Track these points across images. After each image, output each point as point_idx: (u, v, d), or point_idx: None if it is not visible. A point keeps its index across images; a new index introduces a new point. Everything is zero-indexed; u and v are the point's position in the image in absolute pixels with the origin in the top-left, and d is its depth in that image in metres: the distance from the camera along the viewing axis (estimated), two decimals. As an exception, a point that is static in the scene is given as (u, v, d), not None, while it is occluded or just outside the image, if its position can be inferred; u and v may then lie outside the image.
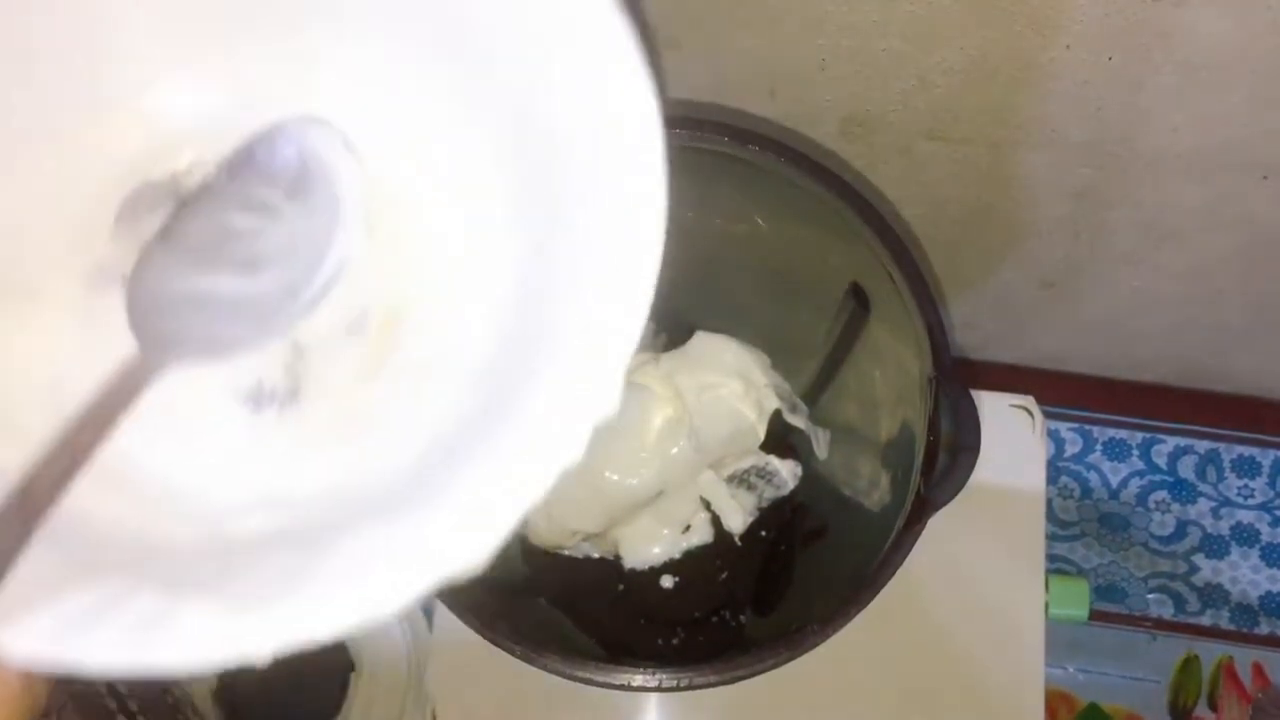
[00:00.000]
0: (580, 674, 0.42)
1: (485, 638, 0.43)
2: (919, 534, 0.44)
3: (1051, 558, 0.77)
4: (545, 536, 0.59)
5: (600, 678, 0.42)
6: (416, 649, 0.76)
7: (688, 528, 0.59)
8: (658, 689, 0.42)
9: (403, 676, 0.76)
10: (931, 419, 0.44)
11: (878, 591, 0.43)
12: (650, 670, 0.43)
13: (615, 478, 0.58)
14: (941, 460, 0.43)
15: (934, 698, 0.60)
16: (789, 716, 0.59)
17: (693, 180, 0.53)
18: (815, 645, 0.43)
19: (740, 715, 0.59)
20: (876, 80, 0.53)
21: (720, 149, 0.48)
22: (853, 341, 0.54)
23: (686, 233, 0.56)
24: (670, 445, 0.58)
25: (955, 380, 0.43)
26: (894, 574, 0.43)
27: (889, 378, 0.54)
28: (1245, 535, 0.77)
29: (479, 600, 0.46)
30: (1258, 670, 0.75)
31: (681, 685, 0.42)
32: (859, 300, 0.51)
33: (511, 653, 0.43)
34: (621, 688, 0.42)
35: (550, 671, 0.43)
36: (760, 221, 0.54)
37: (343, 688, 0.77)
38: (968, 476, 0.43)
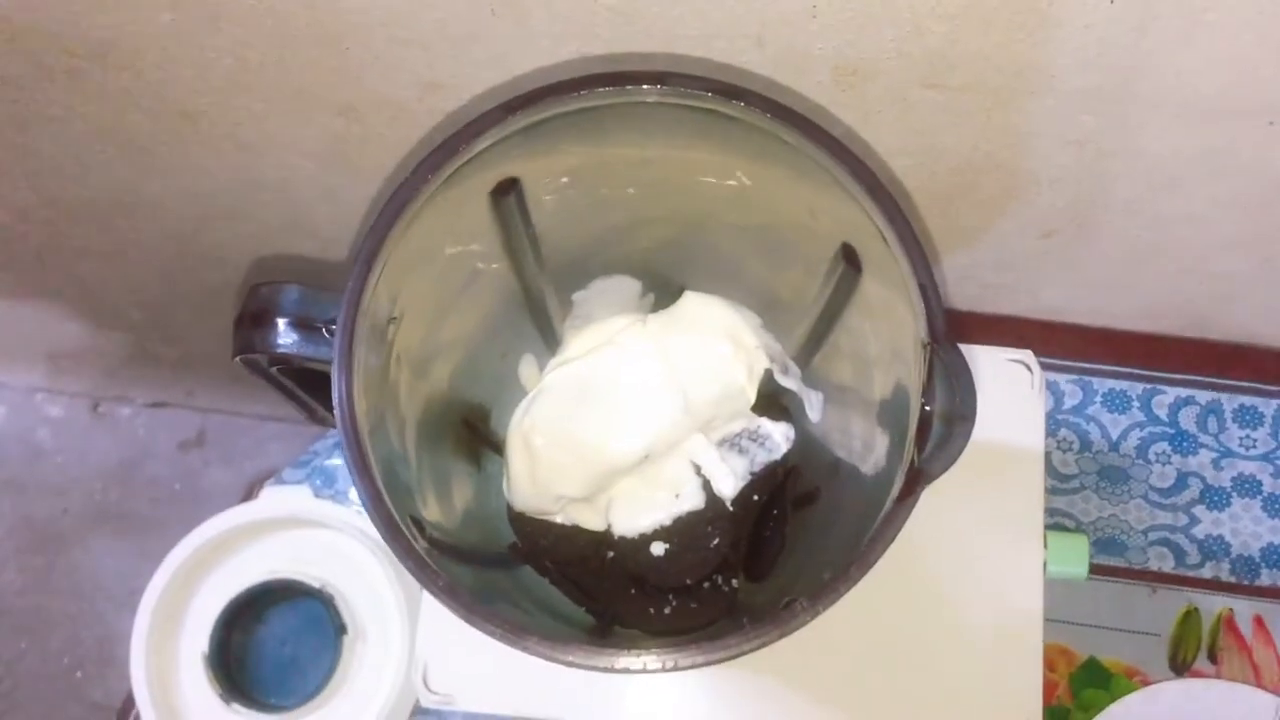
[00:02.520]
0: (563, 657, 0.41)
1: (464, 620, 0.42)
2: (912, 507, 0.43)
3: (1050, 511, 0.76)
4: (530, 502, 0.58)
5: (584, 661, 0.41)
6: (408, 610, 0.75)
7: (678, 494, 0.57)
8: (642, 671, 0.41)
9: (397, 641, 0.75)
10: (925, 387, 0.42)
11: (869, 568, 0.42)
12: (635, 653, 0.42)
13: (600, 442, 0.57)
14: (936, 429, 0.42)
15: (930, 654, 0.60)
16: (784, 671, 0.59)
17: (679, 137, 0.51)
18: (805, 624, 0.42)
19: (734, 671, 0.58)
20: (870, 27, 0.51)
21: (705, 105, 0.46)
22: (845, 302, 0.53)
23: (674, 191, 0.55)
24: (658, 408, 0.57)
25: (951, 347, 0.42)
26: (887, 549, 0.42)
27: (882, 335, 0.53)
28: (1247, 486, 0.76)
29: (460, 575, 0.45)
30: (1259, 622, 0.74)
31: (667, 667, 0.41)
32: (850, 261, 0.50)
33: (492, 635, 0.42)
34: (606, 670, 0.41)
35: (532, 654, 0.42)
36: (749, 179, 0.53)
37: (335, 650, 0.76)
38: (963, 447, 0.41)
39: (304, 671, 0.77)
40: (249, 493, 0.80)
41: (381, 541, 0.75)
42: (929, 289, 0.43)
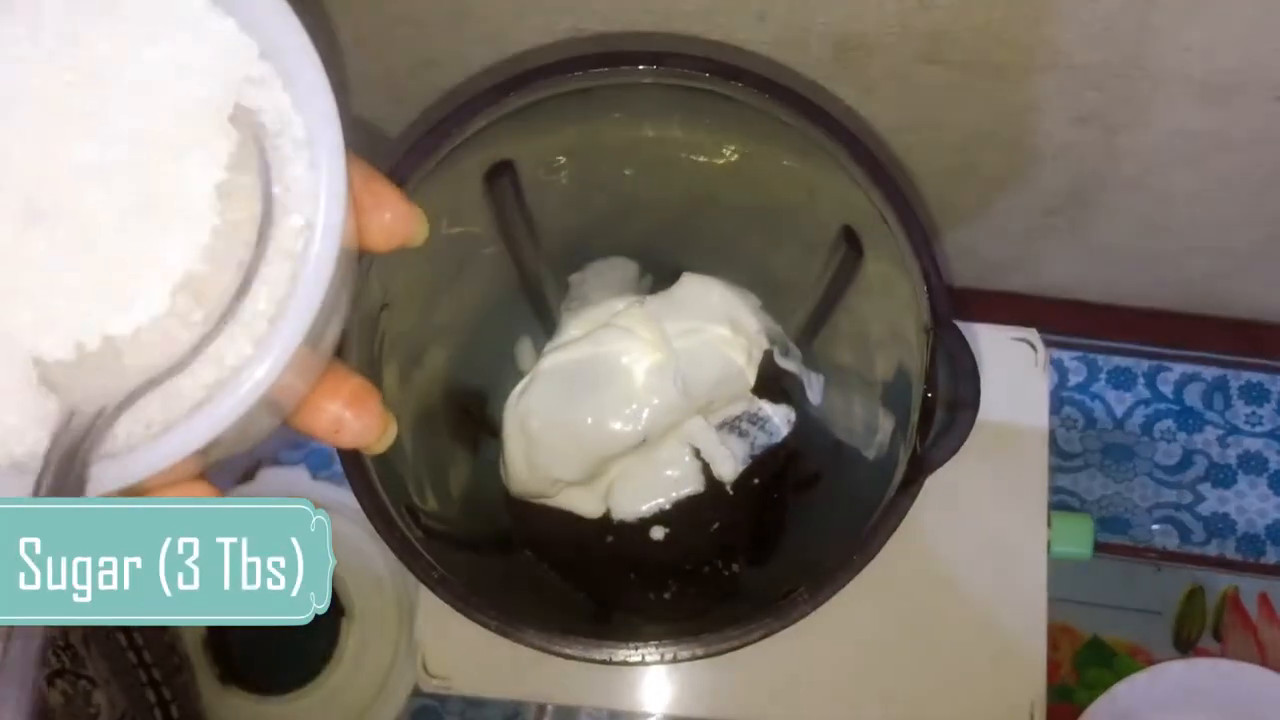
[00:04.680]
0: (560, 650, 0.41)
1: (460, 611, 0.41)
2: (915, 496, 0.42)
3: (1054, 489, 0.75)
4: (527, 486, 0.58)
5: (582, 653, 0.41)
6: (408, 595, 0.75)
7: (677, 477, 0.57)
8: (641, 663, 0.41)
9: (394, 623, 0.75)
10: (928, 374, 0.41)
11: (871, 557, 0.41)
12: (634, 645, 0.41)
13: (597, 425, 0.56)
14: (939, 417, 0.41)
15: (933, 633, 0.59)
16: (786, 651, 0.58)
17: (676, 117, 0.50)
18: (806, 614, 0.41)
19: (735, 652, 0.58)
20: (872, 1, 0.50)
21: (703, 85, 0.45)
22: (846, 284, 0.52)
23: (672, 172, 0.54)
24: (655, 391, 0.56)
25: (954, 333, 0.41)
26: (889, 538, 0.41)
27: (884, 317, 0.52)
28: (1253, 463, 0.76)
29: (457, 564, 0.45)
30: (1263, 601, 0.74)
31: (666, 659, 0.41)
32: (851, 244, 0.49)
33: (488, 627, 0.41)
34: (605, 662, 0.41)
35: (529, 645, 0.41)
36: (748, 160, 0.52)
37: (334, 634, 0.76)
38: (966, 435, 0.41)
39: (301, 654, 0.77)
40: (247, 474, 0.79)
41: (379, 524, 0.75)
42: (932, 274, 0.42)
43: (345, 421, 0.29)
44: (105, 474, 0.25)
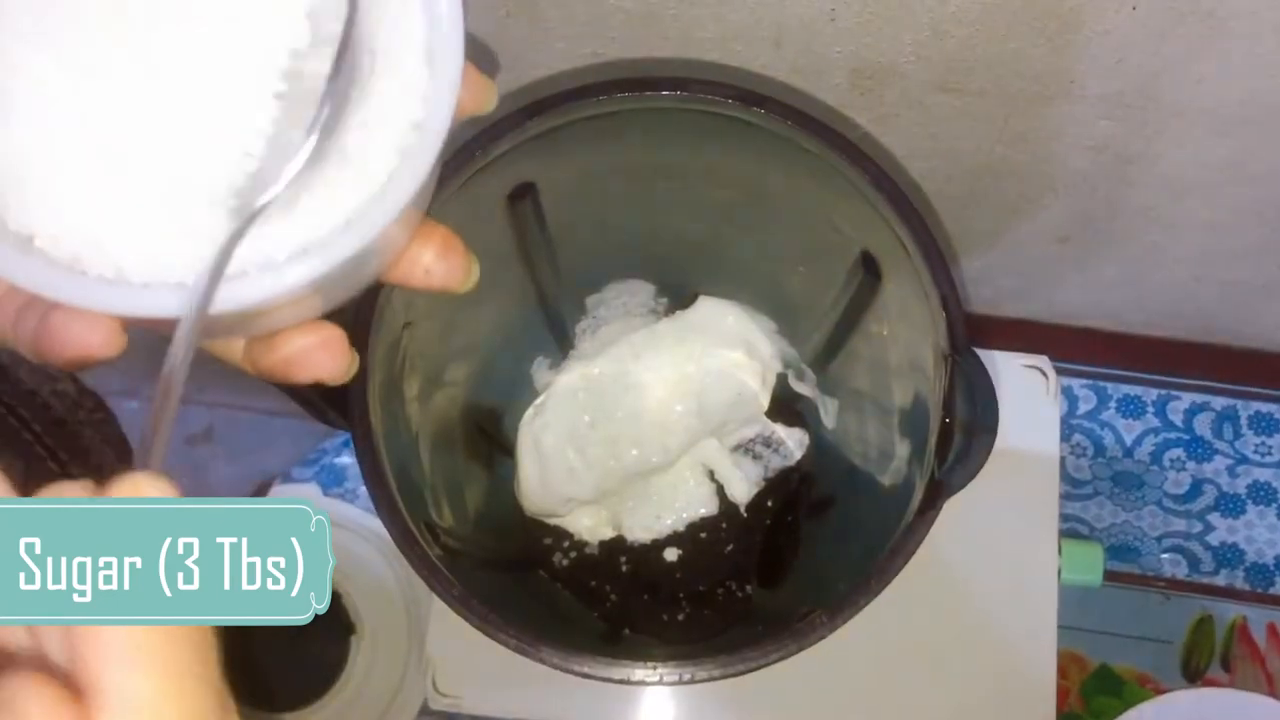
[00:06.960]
0: (577, 668, 0.41)
1: (478, 628, 0.42)
2: (933, 520, 0.42)
3: (1064, 517, 0.75)
4: (540, 504, 0.58)
5: (599, 672, 0.41)
6: (417, 613, 0.75)
7: (691, 499, 0.57)
8: (659, 683, 0.41)
9: (403, 641, 0.75)
10: (946, 399, 0.42)
11: (889, 581, 0.41)
12: (651, 665, 0.41)
13: (611, 445, 0.56)
14: (957, 442, 0.41)
15: (943, 660, 0.59)
16: (795, 675, 0.58)
17: (697, 142, 0.51)
18: (823, 636, 0.41)
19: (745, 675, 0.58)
20: (888, 30, 0.51)
21: (725, 111, 0.46)
22: (863, 309, 0.52)
23: (690, 196, 0.55)
24: (670, 412, 0.56)
25: (972, 358, 0.41)
26: (907, 562, 0.42)
27: (901, 342, 0.53)
28: (1262, 493, 0.76)
29: (473, 581, 0.45)
30: (1272, 631, 0.74)
31: (683, 680, 0.41)
32: (869, 269, 0.49)
33: (506, 645, 0.41)
34: (622, 682, 0.41)
35: (546, 664, 0.41)
36: (767, 185, 0.52)
37: (344, 651, 0.76)
38: (985, 459, 0.41)
39: (310, 671, 0.77)
40: (258, 490, 0.79)
41: (390, 541, 0.76)
42: (950, 300, 0.42)
43: (434, 265, 0.30)
44: (231, 292, 0.26)
